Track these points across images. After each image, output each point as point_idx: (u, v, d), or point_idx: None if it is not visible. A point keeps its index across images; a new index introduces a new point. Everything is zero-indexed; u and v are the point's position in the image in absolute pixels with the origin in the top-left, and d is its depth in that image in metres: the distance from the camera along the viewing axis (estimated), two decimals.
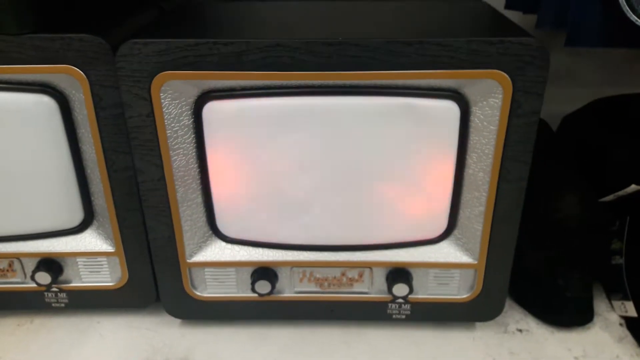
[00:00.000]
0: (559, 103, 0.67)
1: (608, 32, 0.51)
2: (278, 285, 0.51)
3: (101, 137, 0.45)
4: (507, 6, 0.66)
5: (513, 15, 0.56)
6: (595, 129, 0.64)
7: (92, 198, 0.49)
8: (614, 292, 0.57)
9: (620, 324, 0.55)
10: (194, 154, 0.45)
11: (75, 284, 0.53)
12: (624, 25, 0.48)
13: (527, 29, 0.44)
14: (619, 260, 0.55)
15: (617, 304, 0.56)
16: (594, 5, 0.51)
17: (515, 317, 0.56)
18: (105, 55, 0.42)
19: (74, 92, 0.44)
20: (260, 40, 0.40)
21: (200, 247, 0.50)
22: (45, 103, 0.44)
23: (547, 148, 0.62)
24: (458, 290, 0.51)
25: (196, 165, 0.46)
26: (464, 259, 0.49)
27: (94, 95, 0.44)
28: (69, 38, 0.42)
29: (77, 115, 0.45)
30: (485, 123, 0.43)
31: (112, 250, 0.51)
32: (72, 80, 0.43)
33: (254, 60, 0.41)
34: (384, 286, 0.51)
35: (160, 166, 0.45)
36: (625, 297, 0.55)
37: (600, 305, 0.57)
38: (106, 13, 0.50)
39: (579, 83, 0.75)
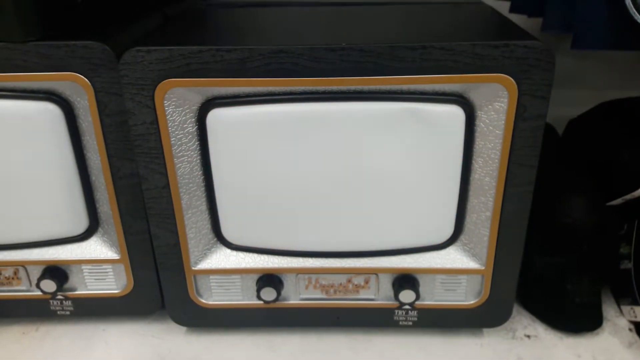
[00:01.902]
0: (565, 106, 0.66)
1: (614, 34, 0.51)
2: (283, 292, 0.51)
3: (106, 144, 0.45)
4: (512, 10, 0.65)
5: (518, 19, 0.55)
6: (602, 132, 0.64)
7: (97, 205, 0.49)
8: (622, 297, 0.57)
9: (630, 329, 0.54)
10: (198, 161, 0.45)
11: (80, 292, 0.53)
12: (631, 27, 0.48)
13: (532, 32, 0.44)
14: (628, 264, 0.55)
15: (626, 309, 0.56)
16: (600, 7, 0.51)
17: (523, 322, 0.55)
18: (110, 62, 0.42)
19: (78, 99, 0.44)
20: (264, 47, 0.40)
21: (205, 254, 0.50)
22: (50, 110, 0.44)
23: (553, 152, 0.61)
24: (465, 296, 0.51)
25: (200, 172, 0.46)
26: (471, 264, 0.49)
27: (98, 102, 0.44)
28: (74, 45, 0.42)
29: (82, 122, 0.45)
30: (490, 127, 0.43)
31: (118, 258, 0.51)
32: (77, 87, 0.43)
33: (258, 66, 0.41)
34: (391, 293, 0.51)
35: (164, 174, 0.45)
36: (634, 302, 0.54)
37: (609, 310, 0.56)
38: (110, 20, 0.50)
39: (585, 86, 0.75)
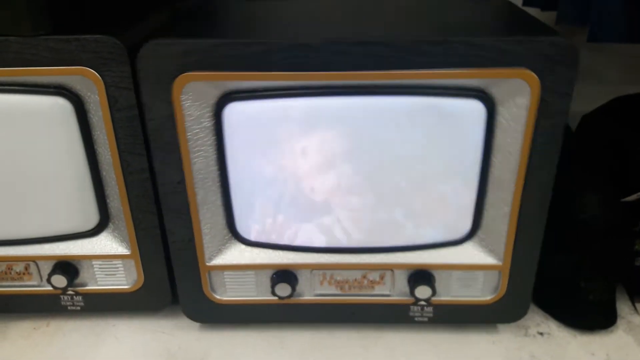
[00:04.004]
0: (578, 101, 0.65)
1: (631, 27, 0.50)
2: (298, 288, 0.51)
3: (117, 139, 0.45)
4: (526, 3, 0.65)
5: (531, 12, 0.55)
6: (616, 127, 0.63)
7: (108, 200, 0.49)
8: (637, 294, 0.56)
9: None
10: (214, 156, 0.45)
11: (91, 287, 0.53)
12: None
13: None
14: None
15: None
16: None
17: (536, 320, 0.55)
18: (120, 56, 0.42)
19: (89, 93, 0.44)
20: (283, 41, 0.39)
21: (219, 250, 0.49)
22: (60, 105, 0.44)
23: (567, 148, 0.61)
24: (482, 292, 0.51)
25: (216, 167, 0.45)
26: (489, 260, 0.49)
27: (109, 96, 0.43)
28: (84, 39, 0.41)
29: (92, 117, 0.45)
30: (511, 123, 0.42)
31: (128, 253, 0.51)
32: (88, 81, 0.43)
33: (277, 60, 0.40)
34: (406, 288, 0.50)
35: (180, 169, 0.45)
36: None
37: (624, 307, 0.56)
38: (121, 14, 0.50)
39: (599, 81, 0.74)
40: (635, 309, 0.55)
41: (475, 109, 0.42)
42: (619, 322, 0.54)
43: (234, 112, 0.43)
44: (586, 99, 0.67)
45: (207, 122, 0.43)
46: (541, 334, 0.53)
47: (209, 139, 0.44)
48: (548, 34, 0.40)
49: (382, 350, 0.52)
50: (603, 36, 0.52)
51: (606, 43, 0.52)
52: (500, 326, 0.54)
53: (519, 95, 0.41)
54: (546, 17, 0.62)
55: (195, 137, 0.44)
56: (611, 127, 0.64)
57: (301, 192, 0.46)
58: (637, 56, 0.73)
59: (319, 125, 0.43)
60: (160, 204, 0.47)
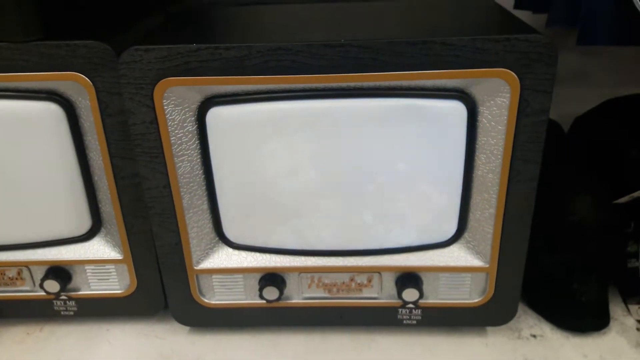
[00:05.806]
0: (571, 104, 0.66)
1: (621, 30, 0.51)
2: (286, 292, 0.51)
3: (108, 144, 0.45)
4: (517, 6, 0.65)
5: (523, 15, 0.55)
6: (608, 129, 0.63)
7: (100, 205, 0.49)
8: (630, 296, 0.56)
9: (638, 329, 0.54)
10: (198, 160, 0.45)
11: (84, 292, 0.53)
12: (637, 22, 0.47)
13: (538, 28, 0.43)
14: (635, 263, 0.54)
15: (633, 308, 0.55)
16: (606, 2, 0.50)
17: (529, 322, 0.55)
18: (111, 61, 0.42)
19: (80, 99, 0.44)
20: (262, 44, 0.40)
21: (207, 253, 0.50)
22: (52, 111, 0.44)
23: (559, 150, 0.61)
24: (470, 295, 0.51)
25: (201, 171, 0.46)
26: (475, 262, 0.49)
27: (100, 102, 0.44)
28: (75, 45, 0.42)
29: (83, 122, 0.45)
30: (493, 123, 0.42)
31: (120, 258, 0.51)
32: (79, 87, 0.43)
33: (256, 64, 0.40)
34: (394, 291, 0.50)
35: (165, 173, 0.45)
36: None
37: (617, 309, 0.55)
38: (112, 19, 0.50)
39: (591, 83, 0.74)
40: (628, 310, 0.55)
41: (455, 109, 0.42)
42: (612, 323, 0.54)
43: (216, 116, 0.43)
44: (579, 101, 0.67)
45: (190, 127, 0.44)
46: (534, 336, 0.53)
47: (193, 143, 0.44)
48: (526, 32, 0.40)
49: (375, 353, 0.52)
50: (593, 39, 0.52)
51: (596, 46, 0.53)
52: (494, 329, 0.54)
53: (499, 94, 0.41)
54: (537, 20, 0.62)
55: (179, 142, 0.44)
56: (603, 129, 0.64)
57: (286, 195, 0.46)
58: (629, 58, 0.74)
59: (300, 128, 0.43)
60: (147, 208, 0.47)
